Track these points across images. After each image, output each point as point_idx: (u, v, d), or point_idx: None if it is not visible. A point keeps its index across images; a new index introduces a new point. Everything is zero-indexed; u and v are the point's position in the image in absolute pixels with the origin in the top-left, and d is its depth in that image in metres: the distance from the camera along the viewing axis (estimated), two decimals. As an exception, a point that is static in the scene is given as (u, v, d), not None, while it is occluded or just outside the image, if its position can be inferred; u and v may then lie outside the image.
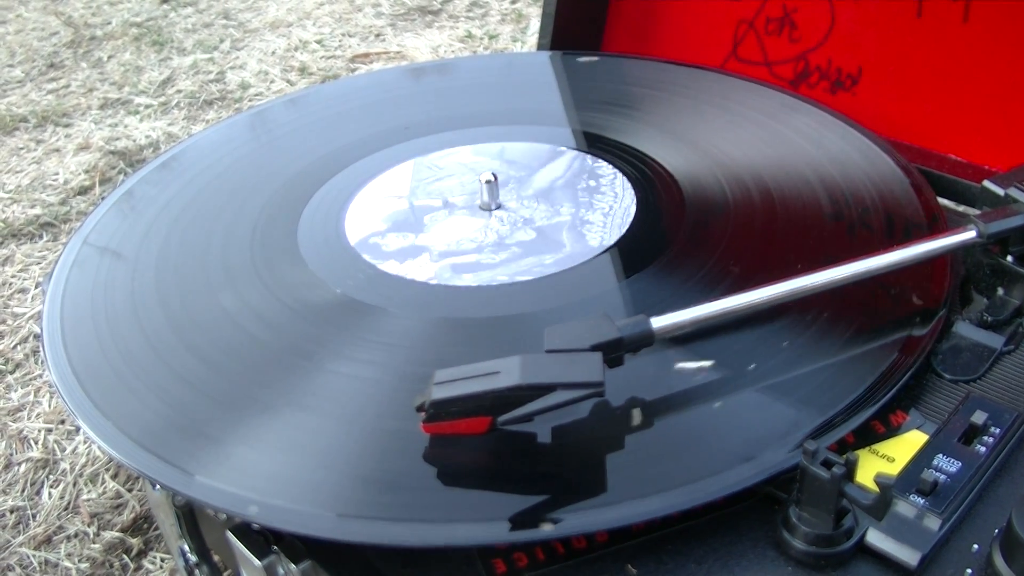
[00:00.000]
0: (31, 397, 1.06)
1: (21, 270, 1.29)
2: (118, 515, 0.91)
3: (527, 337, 0.58)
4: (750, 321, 0.58)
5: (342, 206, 0.75)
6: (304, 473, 0.51)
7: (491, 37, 1.92)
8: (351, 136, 0.87)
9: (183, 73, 1.86)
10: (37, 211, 1.41)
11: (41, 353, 1.11)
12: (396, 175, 0.79)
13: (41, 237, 1.36)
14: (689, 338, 0.57)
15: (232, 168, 0.83)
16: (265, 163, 0.84)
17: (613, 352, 0.51)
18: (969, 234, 0.60)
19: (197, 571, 0.62)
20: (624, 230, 0.69)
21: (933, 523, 0.47)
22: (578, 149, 0.81)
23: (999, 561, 0.44)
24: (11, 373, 1.10)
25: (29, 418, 1.03)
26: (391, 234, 0.71)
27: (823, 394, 0.53)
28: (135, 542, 0.88)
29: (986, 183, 0.65)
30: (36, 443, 1.00)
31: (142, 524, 0.90)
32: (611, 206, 0.72)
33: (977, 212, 0.63)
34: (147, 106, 1.73)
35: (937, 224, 0.67)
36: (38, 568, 0.86)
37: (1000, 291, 0.62)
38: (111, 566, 0.86)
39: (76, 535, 0.89)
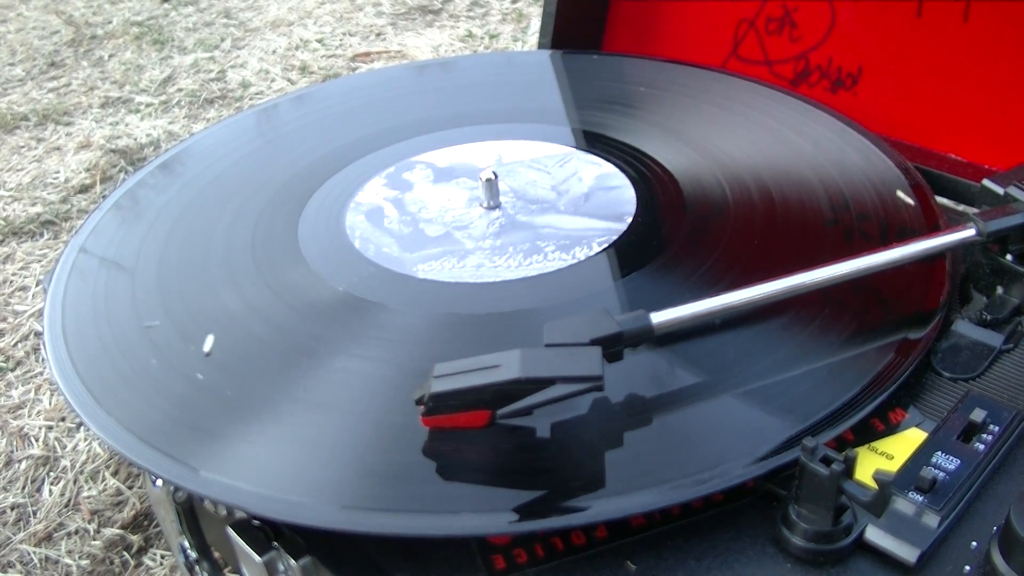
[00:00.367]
0: (32, 394, 1.07)
1: (22, 268, 1.29)
2: (118, 512, 0.91)
3: (527, 333, 0.58)
4: (750, 318, 0.59)
5: (343, 204, 0.75)
6: (306, 466, 0.51)
7: (492, 36, 1.93)
8: (351, 135, 0.87)
9: (184, 72, 1.86)
10: (38, 209, 1.41)
11: (42, 350, 1.11)
12: (396, 174, 0.80)
13: (42, 235, 1.37)
14: (689, 334, 0.57)
15: (233, 167, 0.84)
16: (266, 162, 0.84)
17: (612, 347, 0.51)
18: (968, 232, 0.60)
19: (197, 567, 0.62)
20: (624, 228, 0.69)
21: (932, 520, 0.47)
22: (578, 148, 0.81)
23: (997, 558, 0.44)
24: (12, 371, 1.10)
25: (30, 415, 1.03)
26: (392, 232, 0.71)
27: (822, 391, 0.53)
28: (135, 539, 0.88)
29: (985, 182, 0.65)
30: (37, 440, 1.00)
31: (142, 521, 0.90)
32: (610, 204, 0.72)
33: (976, 211, 0.63)
34: (148, 105, 1.73)
35: (936, 223, 0.67)
36: (39, 565, 0.86)
37: (999, 290, 0.62)
38: (111, 563, 0.86)
39: (77, 532, 0.90)
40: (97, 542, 0.88)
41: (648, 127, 0.83)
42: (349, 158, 0.82)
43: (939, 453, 0.50)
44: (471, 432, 0.50)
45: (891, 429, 0.53)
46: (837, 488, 0.45)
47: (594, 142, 0.82)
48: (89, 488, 0.94)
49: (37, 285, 1.25)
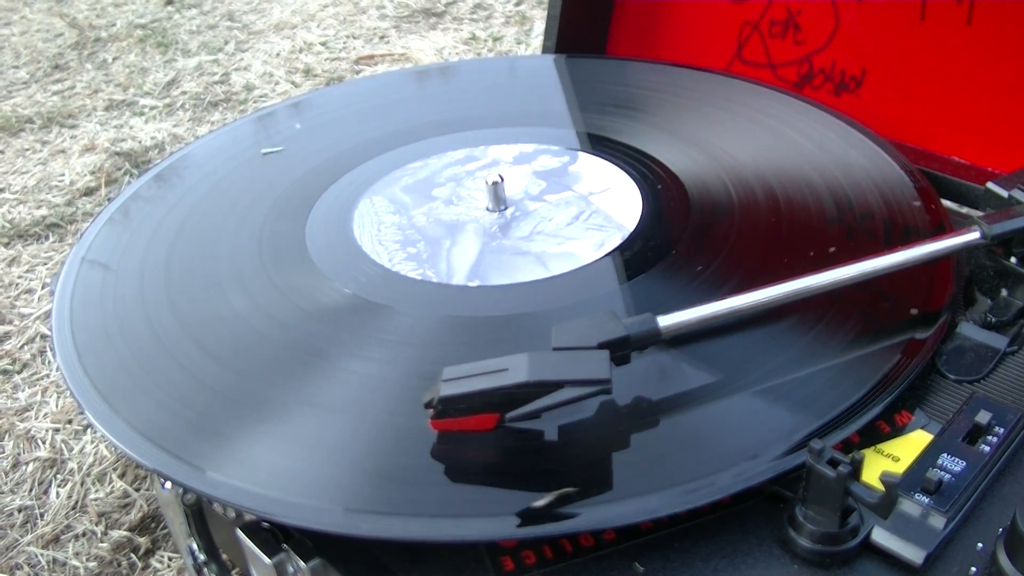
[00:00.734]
0: (39, 397, 1.07)
1: (28, 271, 1.29)
2: (126, 514, 0.92)
3: (534, 336, 0.58)
4: (755, 321, 0.59)
5: (350, 207, 0.75)
6: (314, 468, 0.51)
7: (495, 39, 1.93)
8: (356, 139, 0.87)
9: (188, 75, 1.87)
10: (43, 212, 1.42)
11: (49, 352, 1.12)
12: (402, 176, 0.80)
13: (47, 238, 1.37)
14: (696, 337, 0.57)
15: (240, 170, 0.84)
16: (272, 165, 0.84)
17: (620, 350, 0.51)
18: (973, 235, 0.60)
19: (205, 570, 0.62)
20: (630, 231, 0.69)
21: (938, 522, 0.47)
22: (584, 151, 0.82)
23: (1003, 559, 0.45)
24: (18, 373, 1.11)
25: (36, 418, 1.04)
26: (399, 235, 0.71)
27: (829, 394, 0.54)
28: (143, 541, 0.88)
29: (990, 185, 0.65)
30: (44, 443, 1.00)
31: (150, 523, 0.91)
32: (617, 207, 0.72)
33: (981, 214, 0.63)
34: (152, 107, 1.74)
35: (941, 226, 0.67)
36: (46, 567, 0.87)
37: (1004, 292, 0.63)
38: (119, 565, 0.87)
39: (84, 534, 0.90)
40: (104, 544, 0.88)
41: (653, 130, 0.84)
42: (355, 161, 0.83)
43: (945, 455, 0.51)
44: (479, 435, 0.50)
45: (897, 431, 0.54)
46: (844, 490, 0.45)
47: (600, 145, 0.82)
48: (96, 490, 0.94)
49: (43, 288, 1.25)
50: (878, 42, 0.90)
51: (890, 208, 0.70)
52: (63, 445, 1.00)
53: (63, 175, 1.52)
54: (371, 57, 1.91)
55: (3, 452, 0.99)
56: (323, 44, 1.98)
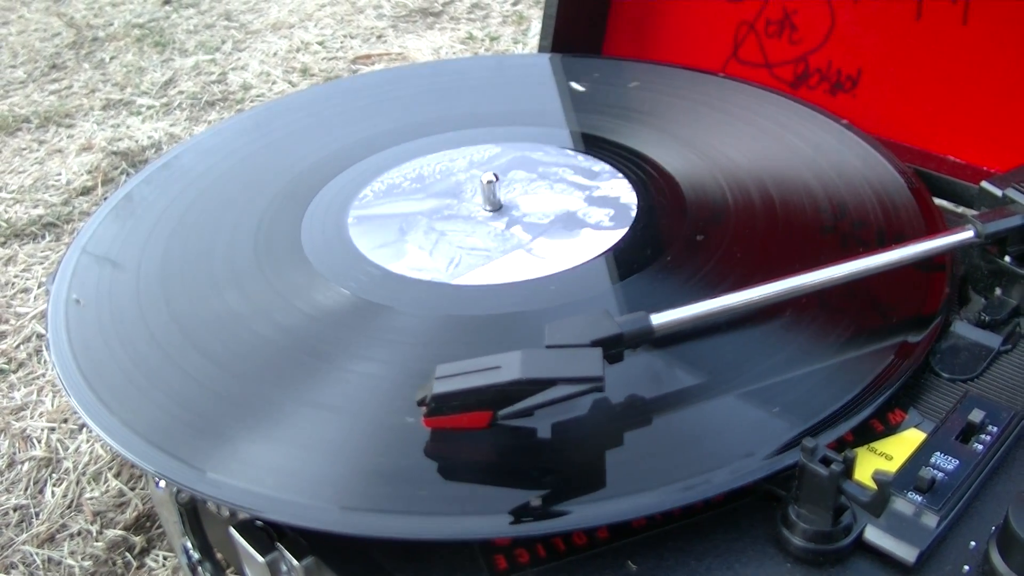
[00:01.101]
0: (34, 396, 1.07)
1: (24, 270, 1.29)
2: (121, 513, 0.92)
3: (528, 334, 0.58)
4: (750, 321, 0.59)
5: (346, 206, 0.75)
6: (307, 467, 0.51)
7: (492, 39, 1.93)
8: (352, 137, 0.87)
9: (185, 74, 1.87)
10: (40, 211, 1.42)
11: (45, 351, 1.12)
12: (398, 175, 0.80)
13: (44, 237, 1.37)
14: (690, 336, 0.57)
15: (234, 169, 0.84)
16: (267, 164, 0.84)
17: (613, 348, 0.51)
18: (967, 234, 0.60)
19: (200, 568, 0.62)
20: (625, 231, 0.69)
21: (931, 520, 0.47)
22: (579, 151, 0.82)
23: (996, 558, 0.45)
24: (14, 372, 1.11)
25: (32, 417, 1.04)
26: (395, 233, 0.71)
27: (822, 392, 0.54)
28: (138, 540, 0.88)
29: (984, 184, 0.65)
30: (39, 442, 1.00)
31: (145, 522, 0.90)
32: (612, 207, 0.72)
33: (975, 213, 0.64)
34: (149, 107, 1.74)
35: (935, 225, 0.67)
36: (41, 566, 0.87)
37: (998, 291, 0.63)
38: (114, 564, 0.87)
39: (79, 533, 0.90)
40: (99, 543, 0.88)
41: (648, 130, 0.84)
42: (351, 159, 0.83)
43: (938, 453, 0.51)
44: (473, 433, 0.50)
45: (890, 430, 0.54)
46: (837, 488, 0.45)
47: (595, 145, 0.82)
48: (91, 489, 0.94)
49: (39, 287, 1.25)
50: (874, 42, 0.90)
51: (884, 208, 0.70)
52: (58, 444, 1.00)
53: (60, 174, 1.52)
54: (368, 57, 1.91)
55: (-2, 451, 0.99)
56: (320, 44, 1.98)
